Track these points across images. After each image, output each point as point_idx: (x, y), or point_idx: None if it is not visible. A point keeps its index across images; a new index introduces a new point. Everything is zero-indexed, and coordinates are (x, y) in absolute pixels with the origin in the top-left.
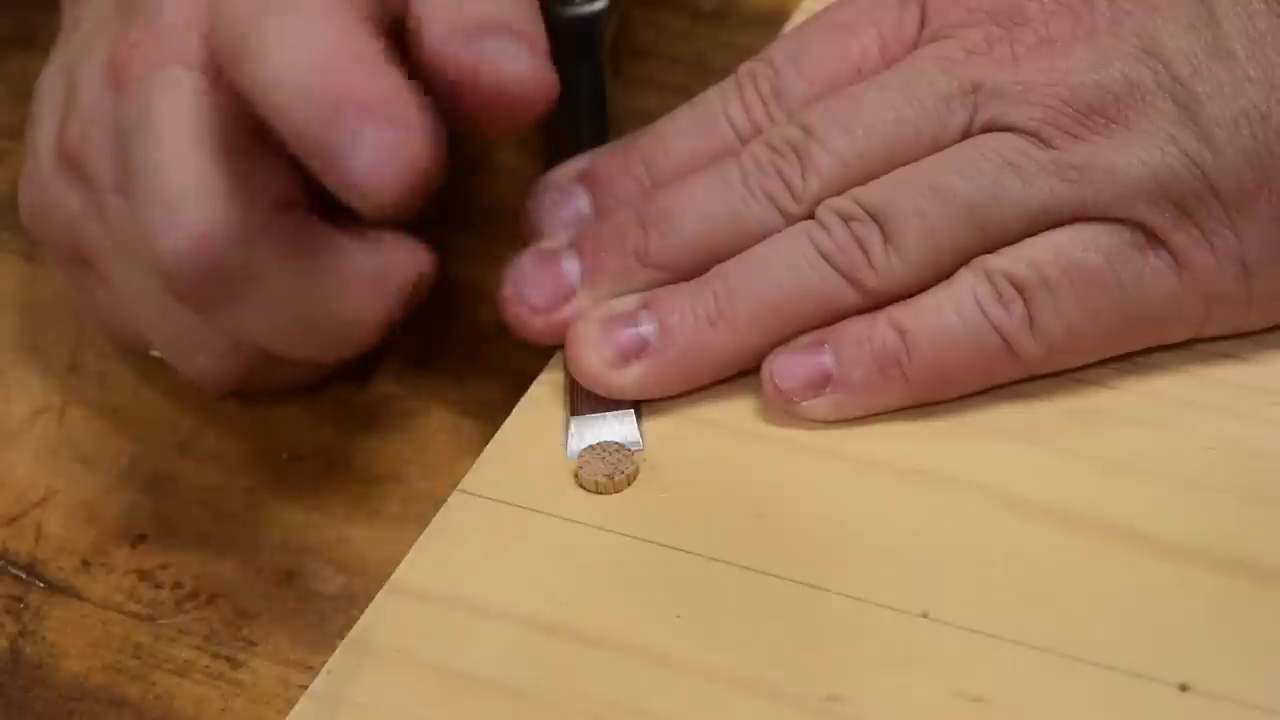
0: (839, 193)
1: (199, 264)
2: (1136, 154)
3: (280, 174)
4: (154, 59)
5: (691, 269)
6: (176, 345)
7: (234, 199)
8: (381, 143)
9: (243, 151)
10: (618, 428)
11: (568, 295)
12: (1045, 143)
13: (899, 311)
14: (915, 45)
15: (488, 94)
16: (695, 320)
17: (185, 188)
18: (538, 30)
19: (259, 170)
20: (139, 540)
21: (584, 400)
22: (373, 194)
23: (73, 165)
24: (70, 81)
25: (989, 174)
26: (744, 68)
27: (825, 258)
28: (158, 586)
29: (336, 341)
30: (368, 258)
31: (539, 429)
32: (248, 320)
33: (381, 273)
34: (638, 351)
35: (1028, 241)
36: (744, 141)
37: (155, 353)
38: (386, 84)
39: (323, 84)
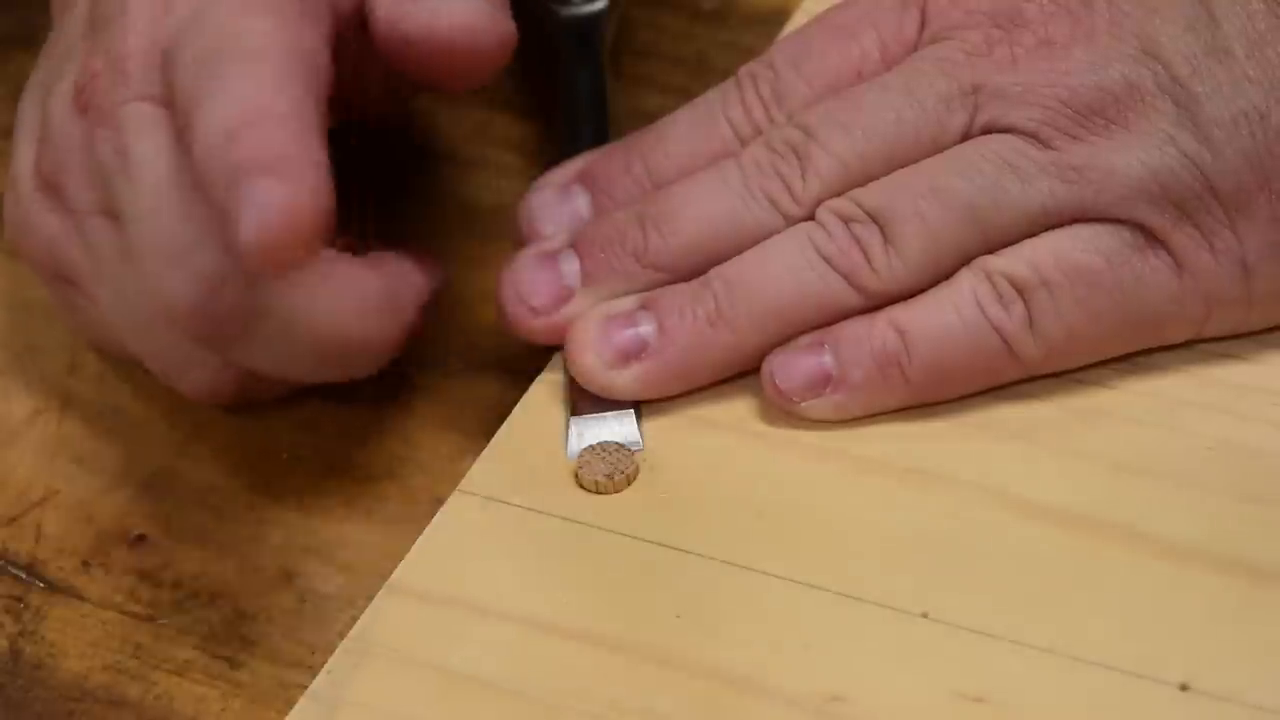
0: (839, 194)
1: (207, 310)
2: (1136, 155)
3: None
4: (116, 92)
5: (691, 270)
6: (167, 363)
7: None
8: (268, 204)
9: None
10: (618, 428)
11: (567, 296)
12: (1045, 144)
13: (899, 312)
14: (915, 47)
15: (442, 47)
16: (694, 321)
17: (184, 236)
18: None
19: None
20: (139, 540)
21: (584, 400)
22: (254, 258)
23: (50, 190)
24: (44, 106)
25: (989, 175)
26: (744, 69)
27: (825, 259)
28: (158, 586)
29: (348, 365)
30: (376, 281)
31: (539, 429)
32: (258, 351)
33: (391, 295)
34: (637, 352)
35: (1028, 242)
36: (744, 143)
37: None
38: (296, 148)
39: (232, 147)
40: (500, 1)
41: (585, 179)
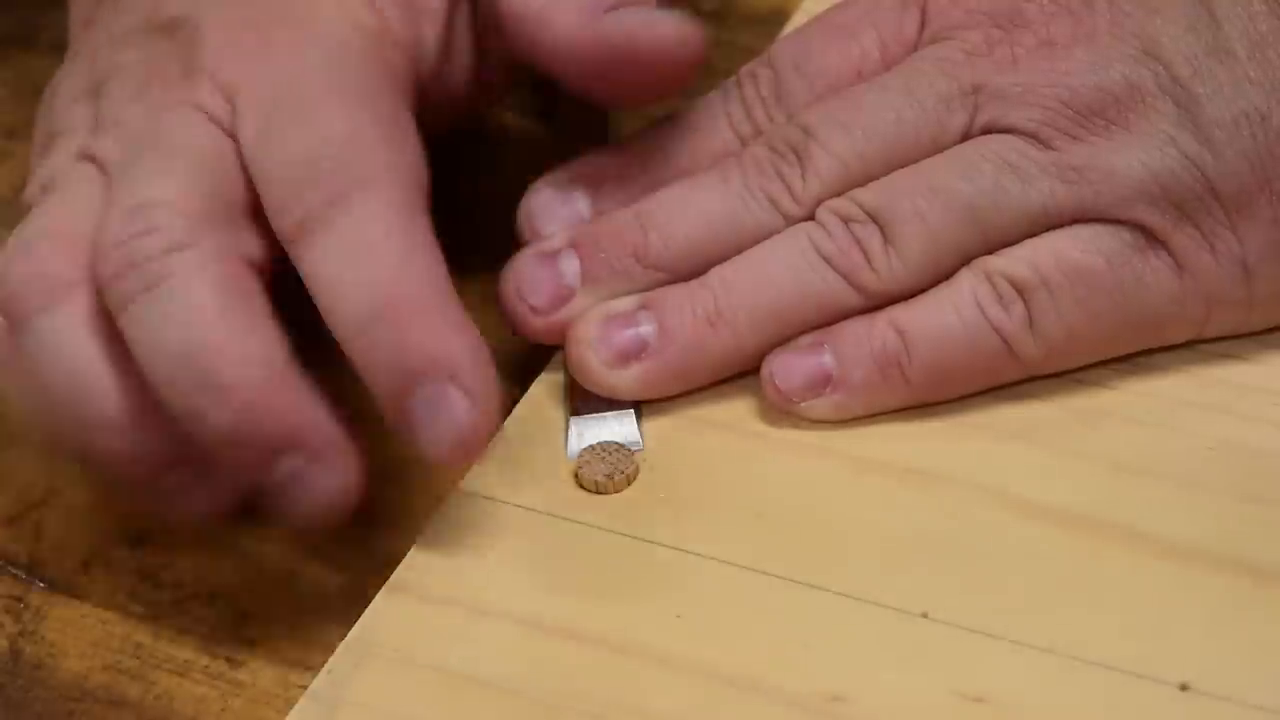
0: (839, 194)
1: (254, 431)
2: (1136, 155)
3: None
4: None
5: (691, 270)
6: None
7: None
8: (456, 421)
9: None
10: (618, 428)
11: (567, 296)
12: (1045, 144)
13: (899, 312)
14: (915, 47)
15: (637, 66)
16: (694, 321)
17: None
18: None
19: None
20: (139, 540)
21: (584, 400)
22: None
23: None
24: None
25: (989, 175)
26: (744, 69)
27: (825, 259)
28: (158, 586)
29: None
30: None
31: (539, 429)
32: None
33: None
34: (637, 352)
35: (1028, 243)
36: (744, 143)
37: None
38: (461, 343)
39: (394, 338)
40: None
41: (585, 179)
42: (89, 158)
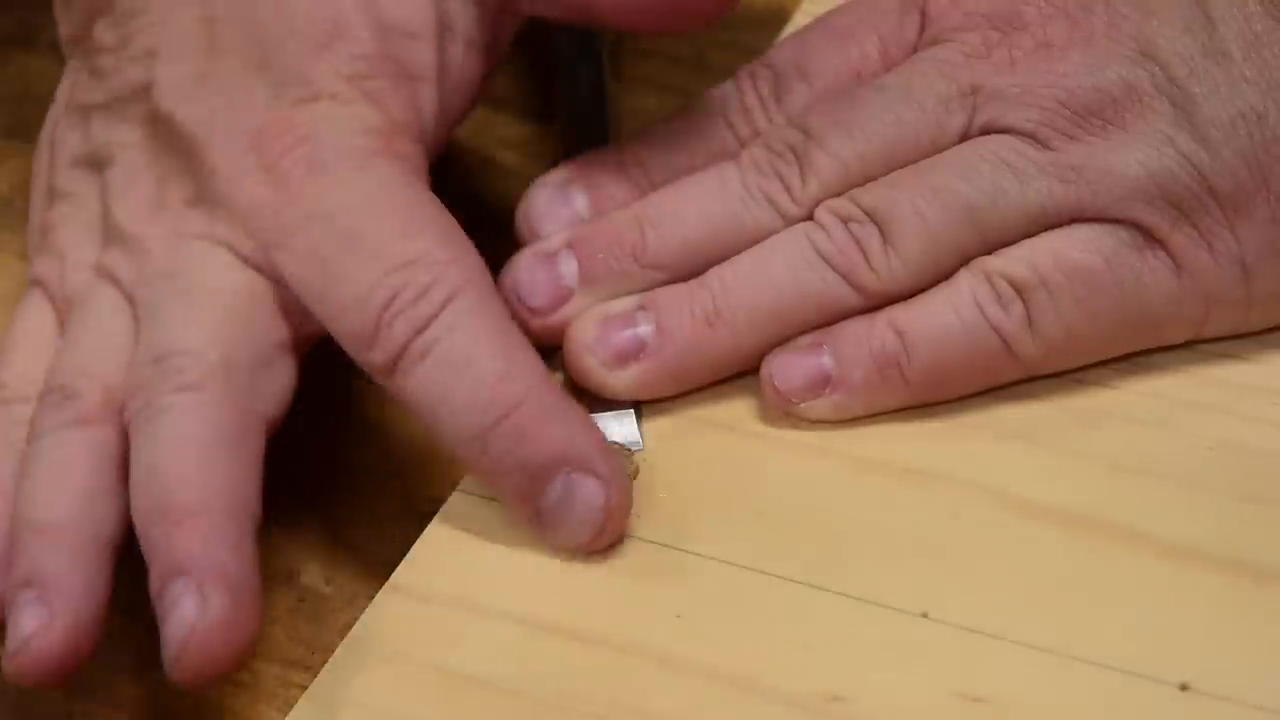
0: (838, 195)
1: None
2: (1134, 155)
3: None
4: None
5: (690, 270)
6: None
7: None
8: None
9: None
10: (618, 428)
11: (566, 296)
12: (1043, 144)
13: (898, 312)
14: (915, 50)
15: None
16: (693, 321)
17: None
18: None
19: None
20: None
21: (584, 400)
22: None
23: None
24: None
25: (987, 175)
26: (744, 70)
27: (824, 259)
28: None
29: None
30: None
31: None
32: None
33: None
34: (636, 352)
35: (1027, 243)
36: (743, 144)
37: None
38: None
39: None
40: None
41: (584, 179)
42: (110, 278)
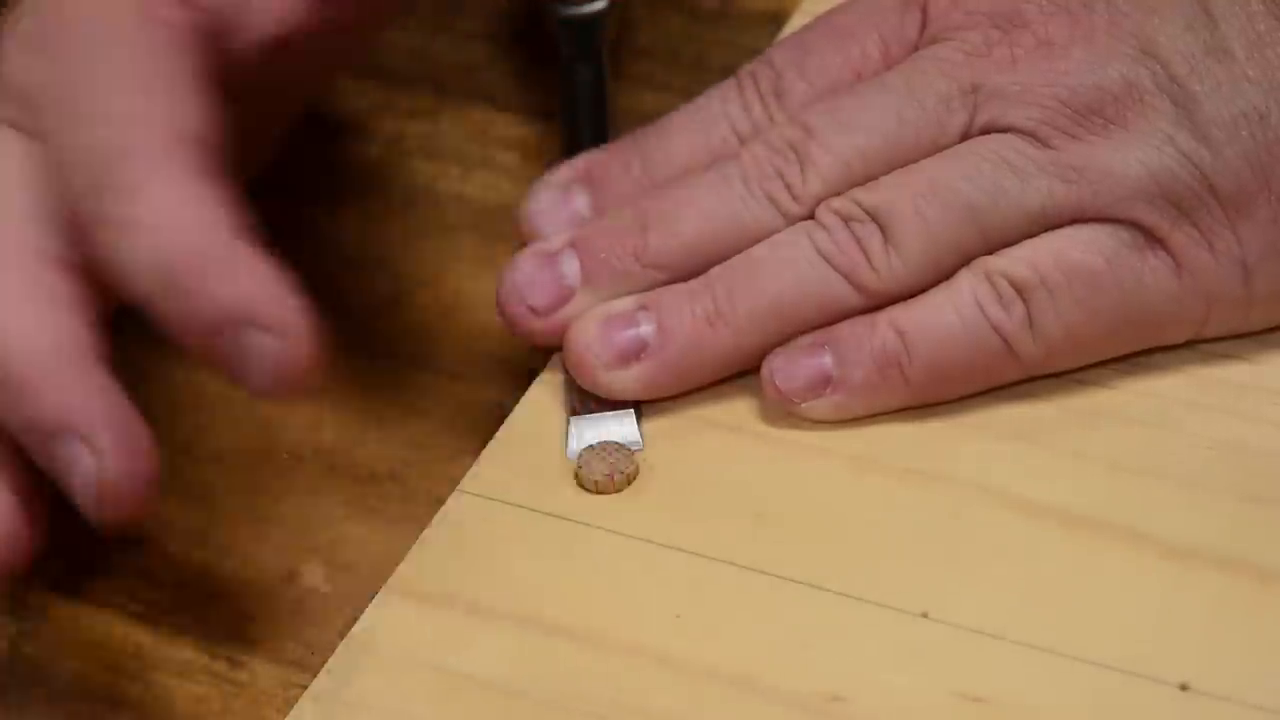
0: (839, 193)
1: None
2: (1135, 154)
3: None
4: None
5: (691, 270)
6: None
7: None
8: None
9: None
10: (618, 428)
11: (567, 296)
12: (1044, 143)
13: (899, 313)
14: (916, 48)
15: None
16: (694, 321)
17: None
18: None
19: None
20: (139, 540)
21: (584, 400)
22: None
23: None
24: None
25: (988, 174)
26: (745, 69)
27: (825, 258)
28: (158, 586)
29: None
30: None
31: (539, 429)
32: None
33: None
34: (636, 352)
35: (1027, 243)
36: (744, 142)
37: None
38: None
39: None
40: None
41: (585, 179)
42: None
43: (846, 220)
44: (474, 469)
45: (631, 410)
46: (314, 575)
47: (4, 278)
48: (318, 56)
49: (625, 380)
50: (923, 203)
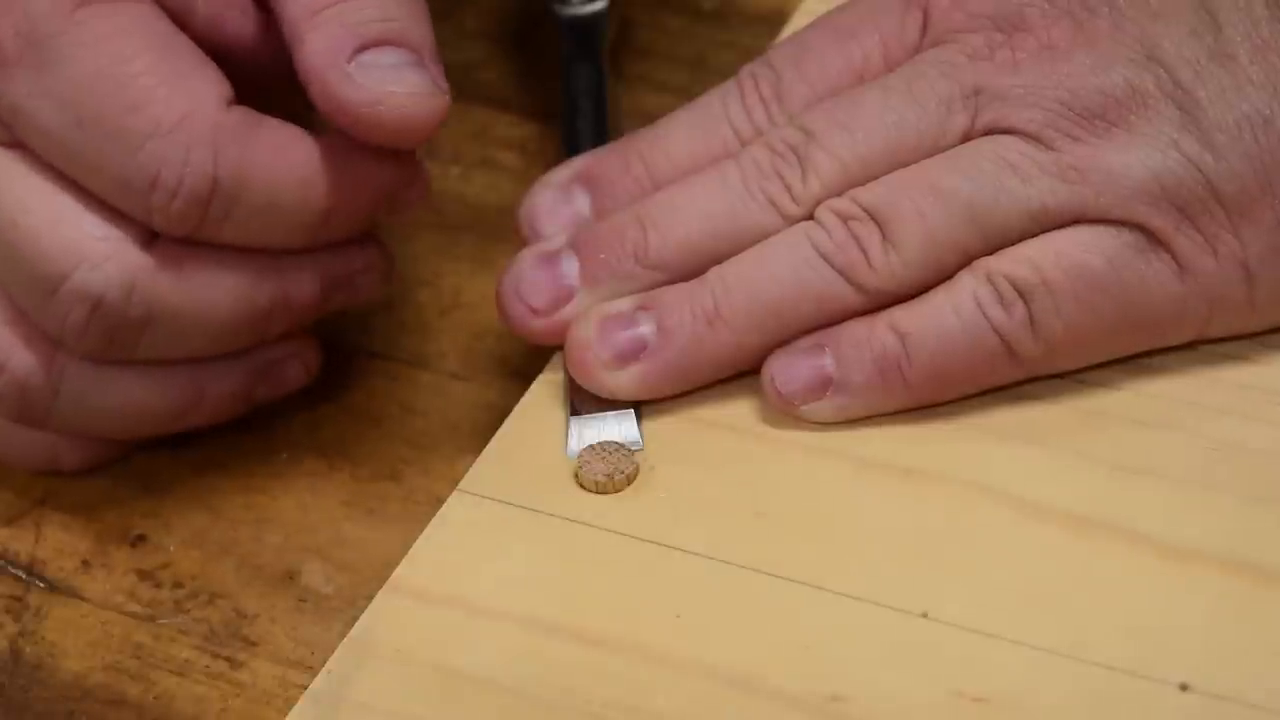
0: (839, 195)
1: (98, 325)
2: (1138, 156)
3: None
4: None
5: (690, 270)
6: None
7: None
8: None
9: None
10: (618, 428)
11: (567, 296)
12: (1046, 144)
13: (899, 314)
14: (917, 50)
15: (382, 127)
16: (694, 321)
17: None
18: (422, 36)
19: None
20: (139, 540)
21: (584, 400)
22: None
23: None
24: None
25: (989, 174)
26: (745, 70)
27: (824, 258)
28: (158, 586)
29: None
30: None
31: (539, 429)
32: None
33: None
34: (636, 352)
35: (1028, 243)
36: (744, 143)
37: None
38: None
39: None
40: (438, 71)
41: (586, 179)
42: None
43: (845, 220)
44: (474, 469)
45: (631, 410)
46: (314, 575)
47: None
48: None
49: (625, 380)
50: (922, 202)
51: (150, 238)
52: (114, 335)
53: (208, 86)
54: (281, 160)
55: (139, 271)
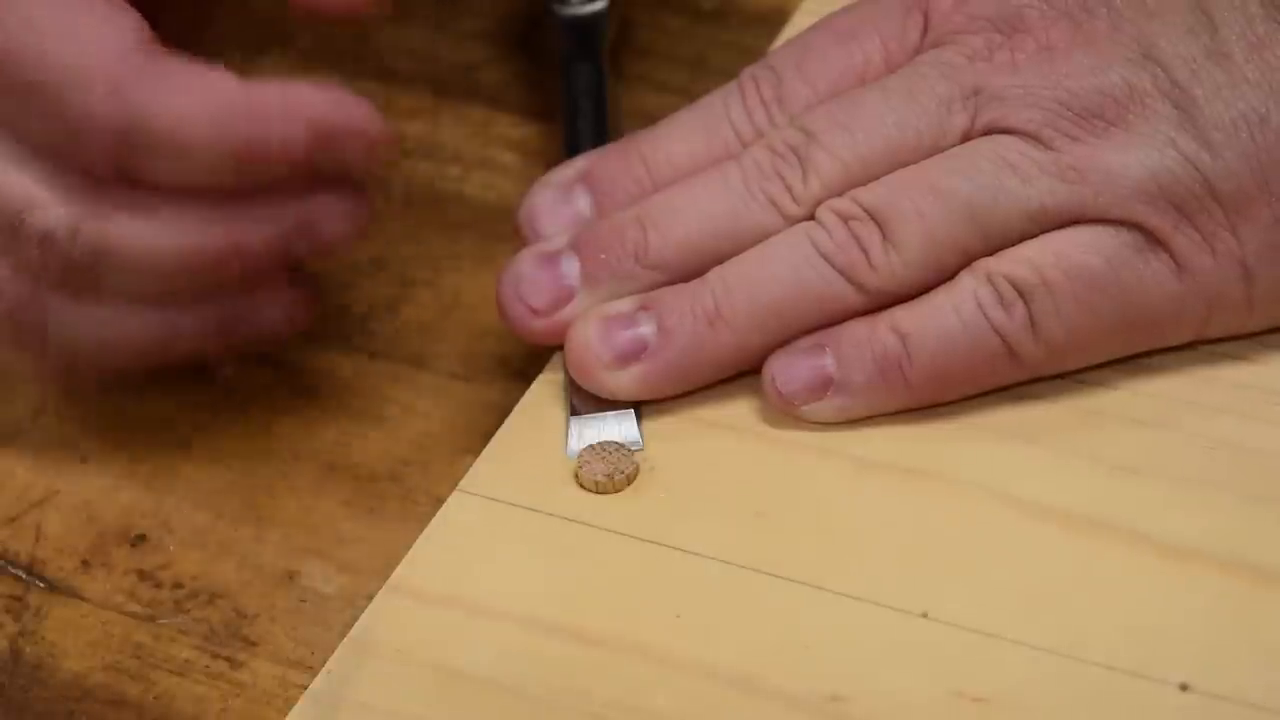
0: (839, 195)
1: (54, 263)
2: (1136, 156)
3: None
4: None
5: (691, 270)
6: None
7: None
8: None
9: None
10: (618, 428)
11: (567, 296)
12: (1045, 144)
13: (899, 314)
14: (918, 52)
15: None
16: (694, 321)
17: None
18: None
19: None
20: (139, 540)
21: (584, 400)
22: None
23: None
24: None
25: (988, 174)
26: (746, 71)
27: (825, 258)
28: (158, 586)
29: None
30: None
31: (539, 429)
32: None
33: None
34: (637, 352)
35: (1028, 243)
36: (745, 144)
37: None
38: None
39: None
40: None
41: (586, 179)
42: None
43: (846, 219)
44: (474, 469)
45: (631, 410)
46: (314, 575)
47: None
48: None
49: (625, 380)
50: (922, 202)
51: (95, 181)
52: (70, 273)
53: (111, 30)
54: (190, 100)
55: (82, 213)
